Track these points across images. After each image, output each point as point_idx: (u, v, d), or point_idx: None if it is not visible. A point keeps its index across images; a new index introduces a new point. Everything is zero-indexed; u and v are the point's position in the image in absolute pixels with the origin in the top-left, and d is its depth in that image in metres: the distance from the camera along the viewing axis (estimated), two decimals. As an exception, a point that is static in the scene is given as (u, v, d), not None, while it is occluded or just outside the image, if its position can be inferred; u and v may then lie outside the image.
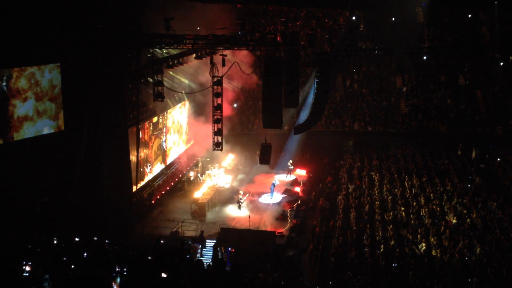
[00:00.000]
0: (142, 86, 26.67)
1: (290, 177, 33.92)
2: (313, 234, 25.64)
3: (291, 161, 34.29)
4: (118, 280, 6.77)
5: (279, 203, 29.94)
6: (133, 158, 26.47)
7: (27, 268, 7.92)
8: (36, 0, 20.51)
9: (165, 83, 25.36)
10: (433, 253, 21.92)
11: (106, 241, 16.11)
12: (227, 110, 31.20)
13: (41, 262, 8.77)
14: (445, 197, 27.21)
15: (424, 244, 22.38)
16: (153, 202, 29.31)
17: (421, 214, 25.56)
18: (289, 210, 27.87)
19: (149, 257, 12.43)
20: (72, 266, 8.66)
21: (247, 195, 30.46)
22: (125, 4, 24.06)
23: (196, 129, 35.23)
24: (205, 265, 15.95)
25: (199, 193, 29.27)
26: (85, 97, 23.04)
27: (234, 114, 36.92)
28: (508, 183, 30.23)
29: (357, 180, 30.72)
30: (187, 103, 34.36)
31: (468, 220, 24.52)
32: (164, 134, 31.64)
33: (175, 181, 32.82)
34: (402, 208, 26.02)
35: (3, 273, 7.15)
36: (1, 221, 18.21)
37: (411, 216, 25.29)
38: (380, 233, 23.53)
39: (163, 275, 10.30)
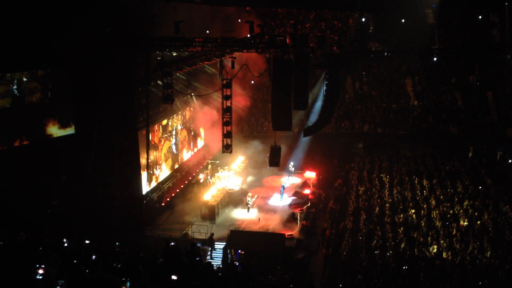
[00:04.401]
0: (151, 89, 26.76)
1: (292, 179, 33.88)
2: (323, 237, 25.60)
3: (292, 163, 34.26)
4: (128, 284, 6.78)
5: (288, 205, 29.91)
6: (143, 160, 26.57)
7: (40, 271, 7.97)
8: (46, 4, 20.62)
9: (174, 86, 25.45)
10: (444, 255, 21.79)
11: (116, 243, 16.14)
12: (237, 112, 31.29)
13: (53, 265, 8.81)
14: (456, 199, 27.04)
15: (435, 247, 22.25)
16: (163, 204, 29.38)
17: (432, 216, 25.42)
18: (299, 213, 27.83)
19: (159, 260, 12.45)
20: (82, 269, 8.69)
21: (255, 197, 30.47)
22: (134, 8, 24.16)
23: (205, 131, 35.36)
24: (215, 268, 15.95)
25: (209, 196, 29.30)
26: (95, 101, 23.15)
27: (244, 117, 37.02)
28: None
29: (367, 182, 30.61)
30: (196, 105, 34.44)
31: (479, 222, 24.36)
32: (173, 136, 31.74)
33: (185, 183, 32.87)
34: (413, 211, 25.91)
35: (18, 276, 7.21)
36: (13, 224, 18.31)
37: (422, 218, 25.14)
38: (391, 236, 23.42)
39: (173, 277, 10.32)
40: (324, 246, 24.96)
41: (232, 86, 26.24)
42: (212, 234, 24.93)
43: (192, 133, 35.58)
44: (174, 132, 31.90)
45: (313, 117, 30.98)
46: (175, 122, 32.18)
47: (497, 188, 29.17)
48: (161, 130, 29.84)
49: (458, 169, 32.19)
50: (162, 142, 30.10)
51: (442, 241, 22.69)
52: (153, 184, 28.72)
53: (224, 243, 24.21)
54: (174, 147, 32.01)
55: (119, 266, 10.25)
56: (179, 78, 29.43)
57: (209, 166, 34.24)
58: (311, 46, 24.55)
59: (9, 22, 19.37)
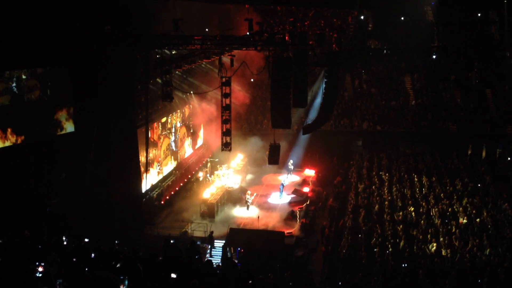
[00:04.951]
0: (150, 86, 26.74)
1: (292, 177, 33.88)
2: (322, 234, 25.60)
3: (291, 161, 34.26)
4: (126, 282, 6.77)
5: (288, 203, 29.93)
6: (142, 158, 26.57)
7: (40, 269, 7.97)
8: (45, 2, 20.59)
9: (173, 84, 25.43)
10: (443, 253, 21.80)
11: (116, 242, 16.14)
12: (236, 110, 31.27)
13: (52, 263, 8.81)
14: (455, 197, 27.06)
15: (434, 244, 22.26)
16: (162, 202, 29.38)
17: (431, 214, 25.43)
18: (298, 210, 27.84)
19: (159, 258, 12.45)
20: (82, 267, 8.69)
21: (255, 194, 30.49)
22: (133, 6, 24.11)
23: (205, 129, 35.30)
24: (215, 266, 15.94)
25: (208, 194, 29.30)
26: (94, 99, 23.13)
27: (243, 114, 36.97)
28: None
29: (366, 180, 30.62)
30: (195, 103, 34.41)
31: (478, 220, 24.37)
32: (172, 134, 31.72)
33: (184, 181, 32.88)
34: (412, 208, 25.92)
35: (18, 274, 7.20)
36: (13, 222, 18.32)
37: (421, 216, 25.16)
38: (390, 233, 23.43)
39: (173, 275, 10.31)
40: (323, 244, 24.97)
41: (231, 84, 26.22)
42: (212, 232, 24.95)
43: (192, 131, 35.58)
44: (173, 130, 31.89)
45: (312, 115, 31.00)
46: (174, 120, 32.17)
47: (496, 185, 29.20)
48: (160, 128, 29.82)
49: (458, 166, 32.21)
50: (162, 140, 30.09)
51: (441, 239, 22.70)
52: (153, 182, 28.71)
53: (224, 241, 24.22)
54: (173, 144, 32.00)
55: (118, 264, 10.24)
56: (178, 76, 29.40)
57: (209, 164, 34.24)
58: (310, 43, 24.51)
59: (9, 19, 19.33)
